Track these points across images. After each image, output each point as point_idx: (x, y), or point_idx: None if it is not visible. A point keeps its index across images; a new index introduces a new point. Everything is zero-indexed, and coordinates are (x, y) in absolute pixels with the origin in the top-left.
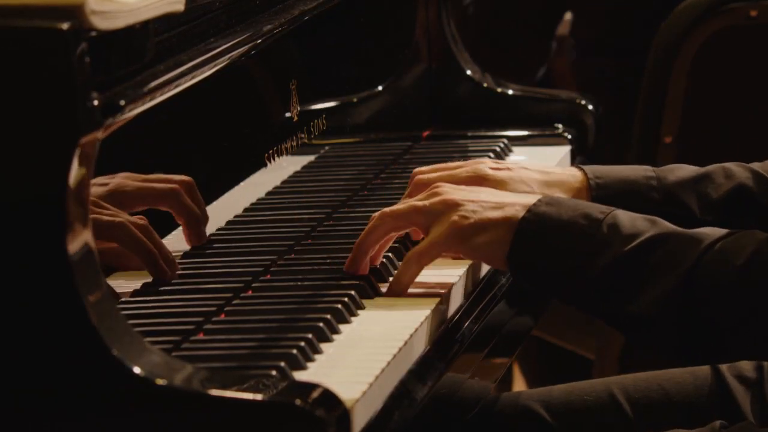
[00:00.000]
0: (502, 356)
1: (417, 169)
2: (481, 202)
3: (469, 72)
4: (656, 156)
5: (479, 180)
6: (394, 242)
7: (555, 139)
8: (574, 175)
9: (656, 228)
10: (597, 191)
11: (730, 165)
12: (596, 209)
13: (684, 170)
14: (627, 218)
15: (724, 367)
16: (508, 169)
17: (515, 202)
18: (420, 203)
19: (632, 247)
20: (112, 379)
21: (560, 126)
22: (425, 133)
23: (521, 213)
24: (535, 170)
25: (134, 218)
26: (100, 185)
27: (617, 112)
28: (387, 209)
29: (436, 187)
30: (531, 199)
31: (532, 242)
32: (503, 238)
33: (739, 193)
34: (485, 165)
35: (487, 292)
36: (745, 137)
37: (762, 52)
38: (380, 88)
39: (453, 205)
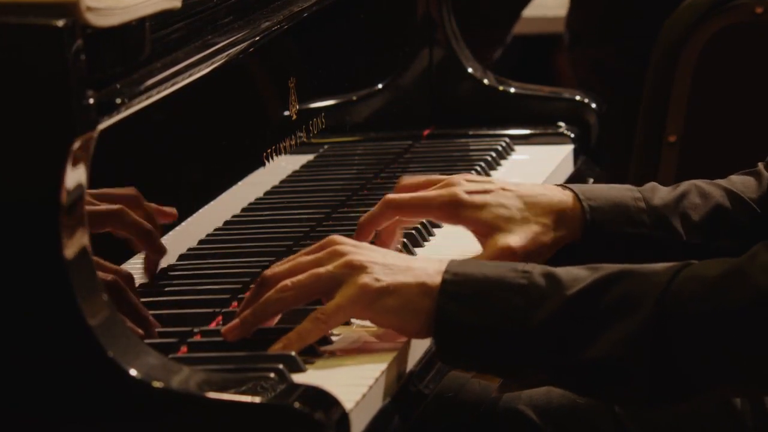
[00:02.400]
0: None
1: (388, 196)
2: (390, 265)
3: (470, 70)
4: (660, 155)
5: (454, 206)
6: None
7: (557, 138)
8: (564, 194)
9: (600, 271)
10: (591, 214)
11: (701, 183)
12: (519, 264)
13: (662, 191)
14: (561, 269)
15: None
16: (486, 191)
17: (426, 267)
18: (323, 270)
19: (579, 290)
20: (109, 381)
21: (563, 124)
22: (426, 132)
23: (437, 277)
24: (517, 192)
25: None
26: None
27: (620, 106)
28: (287, 280)
29: (333, 243)
30: (443, 264)
31: (459, 304)
32: (418, 304)
33: (717, 213)
34: (461, 188)
35: None
36: (750, 136)
37: (767, 50)
38: (380, 86)
39: (359, 267)
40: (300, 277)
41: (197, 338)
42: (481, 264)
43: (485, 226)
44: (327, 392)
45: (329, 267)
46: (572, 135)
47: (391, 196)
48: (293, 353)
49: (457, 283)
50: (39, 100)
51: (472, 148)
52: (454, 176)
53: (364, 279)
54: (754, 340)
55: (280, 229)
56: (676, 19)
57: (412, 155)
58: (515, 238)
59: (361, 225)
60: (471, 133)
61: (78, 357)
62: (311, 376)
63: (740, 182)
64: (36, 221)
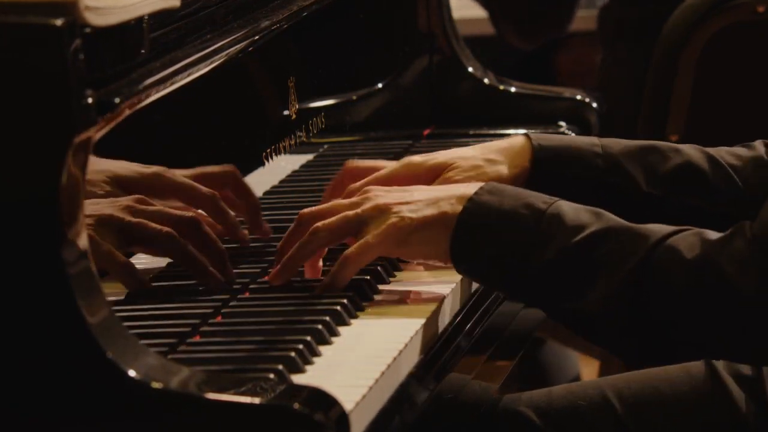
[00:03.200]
0: (504, 359)
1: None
2: (415, 202)
3: (470, 69)
4: None
5: (407, 167)
6: None
7: None
8: (517, 137)
9: (601, 222)
10: (538, 152)
11: (682, 145)
12: (539, 199)
13: (628, 143)
14: (571, 209)
15: (720, 366)
16: (438, 152)
17: (451, 195)
18: (352, 213)
19: (578, 239)
20: (108, 382)
21: (564, 124)
22: (426, 132)
23: (458, 207)
24: (470, 146)
25: (182, 215)
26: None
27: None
28: (319, 223)
29: (367, 191)
30: (470, 189)
31: (472, 233)
32: (441, 234)
33: (688, 170)
34: (412, 157)
35: (489, 293)
36: (751, 135)
37: None
38: (380, 85)
39: (386, 209)
40: (332, 219)
41: (197, 338)
42: (506, 194)
43: (438, 168)
44: (327, 393)
45: (358, 210)
46: (573, 134)
47: (351, 186)
48: (292, 354)
49: (473, 214)
50: (38, 99)
51: None
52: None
53: (391, 219)
54: (718, 323)
55: (279, 229)
56: (678, 18)
57: (412, 155)
58: (457, 173)
59: (324, 198)
60: (471, 132)
61: (77, 357)
62: (311, 377)
63: (726, 151)
64: (35, 220)
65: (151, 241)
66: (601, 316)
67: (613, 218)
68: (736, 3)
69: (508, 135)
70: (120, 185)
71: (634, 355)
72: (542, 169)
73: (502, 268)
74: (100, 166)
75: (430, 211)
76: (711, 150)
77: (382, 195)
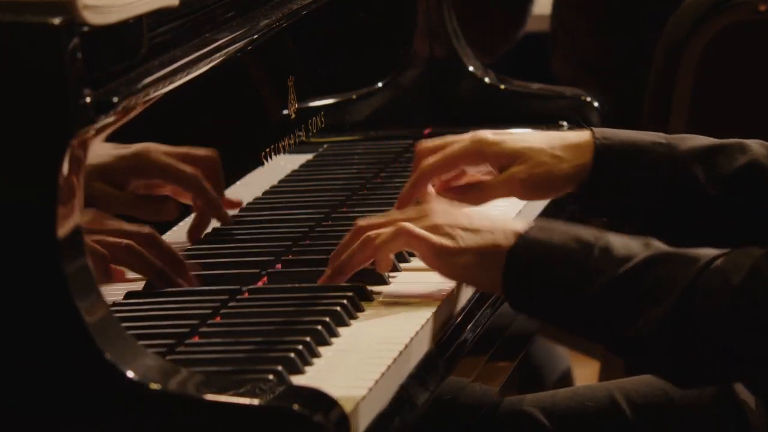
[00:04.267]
0: (505, 360)
1: (422, 166)
2: (471, 228)
3: (471, 68)
4: None
5: (480, 146)
6: None
7: None
8: (581, 132)
9: (650, 249)
10: (601, 150)
11: (750, 141)
12: (588, 233)
13: (697, 140)
14: (619, 241)
15: None
16: (510, 132)
17: (505, 228)
18: (408, 225)
19: (626, 269)
20: (106, 383)
21: (565, 123)
22: (426, 131)
23: (510, 240)
24: (536, 132)
25: (138, 228)
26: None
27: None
28: (372, 232)
29: (428, 203)
30: (520, 226)
31: (523, 270)
32: (488, 264)
33: (752, 169)
34: (483, 133)
35: (490, 294)
36: (753, 134)
37: None
38: (380, 84)
39: (440, 228)
40: (386, 231)
41: (195, 339)
42: (554, 230)
43: (506, 158)
44: (326, 394)
45: (418, 231)
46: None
47: (423, 164)
48: (292, 355)
49: (525, 250)
50: (36, 98)
51: None
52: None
53: (443, 240)
54: (761, 341)
55: (278, 229)
56: (679, 17)
57: (413, 155)
58: (523, 168)
59: (401, 199)
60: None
61: (75, 358)
62: (311, 378)
63: None
64: (32, 220)
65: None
66: (651, 343)
67: (660, 246)
68: (738, 2)
69: None
70: (104, 178)
71: (679, 380)
72: (604, 166)
73: (553, 301)
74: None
75: (484, 240)
76: None
77: (441, 213)
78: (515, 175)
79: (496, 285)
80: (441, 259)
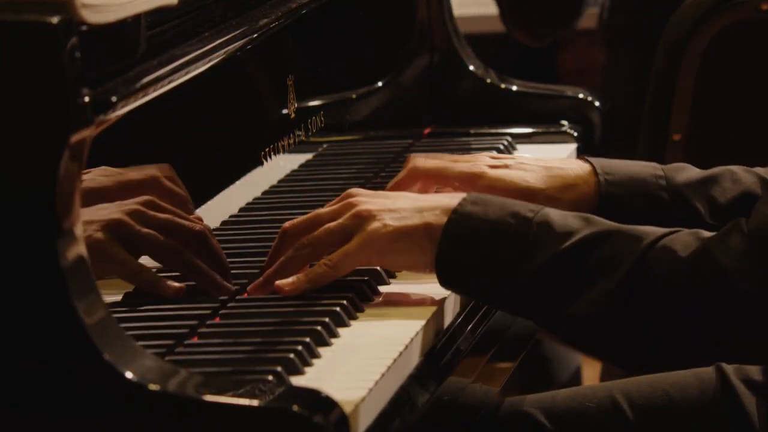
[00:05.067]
0: (505, 360)
1: (413, 155)
2: (398, 210)
3: (471, 67)
4: (664, 154)
5: (475, 178)
6: None
7: (560, 137)
8: (582, 167)
9: (592, 226)
10: (607, 188)
11: (736, 169)
12: (525, 207)
13: (690, 171)
14: (559, 216)
15: (730, 371)
16: (506, 166)
17: (436, 206)
18: (334, 224)
19: (569, 245)
20: (104, 384)
21: (566, 123)
22: (426, 131)
23: (443, 217)
24: (537, 164)
25: (191, 227)
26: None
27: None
28: (304, 239)
29: (349, 196)
30: (453, 201)
31: (458, 245)
32: (425, 245)
33: (746, 198)
34: (483, 162)
35: None
36: (755, 134)
37: None
38: (380, 84)
39: (368, 217)
40: (315, 233)
41: (195, 340)
42: (490, 204)
43: (501, 194)
44: (326, 395)
45: (340, 220)
46: (575, 133)
47: (419, 162)
48: (291, 355)
49: (459, 224)
50: (34, 98)
51: (473, 146)
52: (477, 154)
53: (373, 225)
54: (714, 319)
55: (278, 229)
56: (681, 16)
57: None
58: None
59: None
60: (472, 131)
61: (73, 359)
62: (310, 379)
63: None
64: (31, 220)
65: (157, 254)
66: (594, 321)
67: (603, 222)
68: (739, 1)
69: (510, 134)
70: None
71: (629, 362)
72: (609, 206)
73: (490, 278)
74: None
75: (414, 221)
76: (761, 171)
77: (364, 201)
78: None
79: (431, 264)
80: (379, 252)
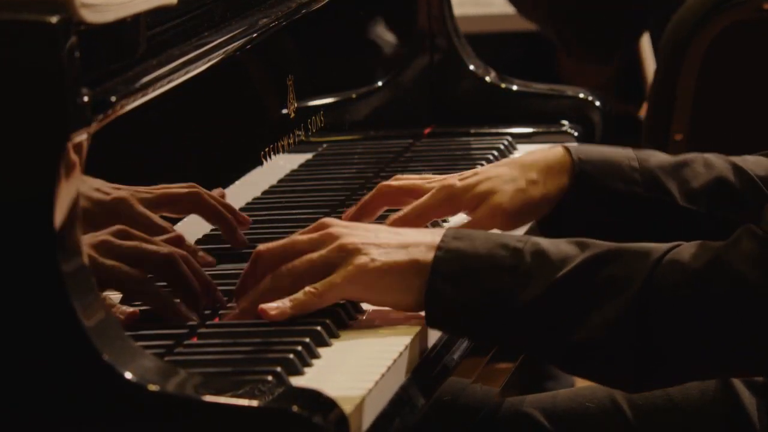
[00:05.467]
0: (506, 361)
1: (383, 184)
2: (384, 245)
3: (472, 67)
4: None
5: (450, 197)
6: None
7: (561, 137)
8: (555, 150)
9: (590, 249)
10: (580, 166)
11: (709, 155)
12: (512, 238)
13: (662, 156)
14: (550, 243)
15: None
16: (476, 173)
17: (419, 242)
18: (316, 255)
19: (567, 271)
20: (103, 384)
21: (566, 123)
22: (426, 131)
23: (429, 254)
24: (505, 161)
25: (158, 251)
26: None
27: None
28: (283, 267)
29: (327, 226)
30: (436, 237)
31: (449, 282)
32: (411, 282)
33: (718, 184)
34: (453, 179)
35: None
36: (757, 133)
37: None
38: (380, 83)
39: (353, 250)
40: (295, 263)
41: (194, 340)
42: (475, 237)
43: (479, 199)
44: (326, 395)
45: (323, 252)
46: (576, 133)
47: (391, 219)
48: (291, 356)
49: (448, 261)
50: (32, 98)
51: (473, 146)
52: (447, 176)
53: (361, 260)
54: (732, 328)
55: (277, 229)
56: (682, 16)
57: (413, 154)
58: (502, 197)
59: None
60: (472, 131)
61: (72, 359)
62: (310, 379)
63: (753, 160)
64: (30, 220)
65: (119, 285)
66: (601, 344)
67: (600, 243)
68: (741, 0)
69: (510, 134)
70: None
71: (633, 383)
72: (583, 184)
73: (483, 312)
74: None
75: (401, 257)
76: (736, 159)
77: (346, 233)
78: (497, 207)
79: (419, 304)
80: (367, 287)
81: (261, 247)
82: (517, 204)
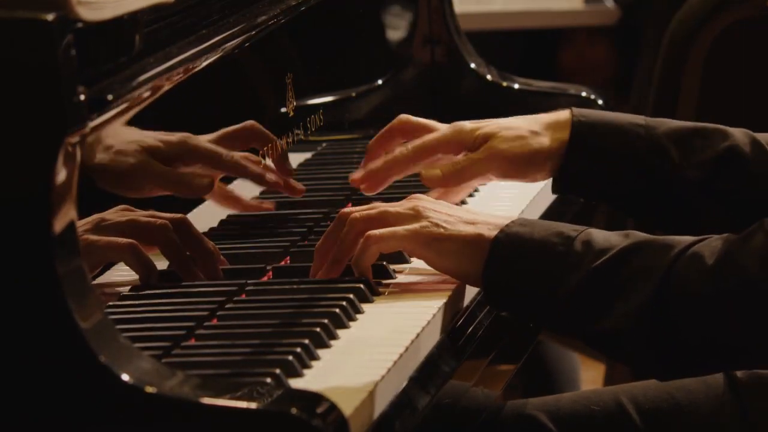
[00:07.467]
0: (507, 363)
1: (402, 115)
2: (455, 216)
3: (472, 65)
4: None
5: (457, 133)
6: None
7: None
8: (562, 111)
9: (628, 240)
10: (578, 126)
11: (733, 129)
12: (569, 228)
13: (676, 123)
14: (600, 234)
15: (737, 375)
16: (488, 120)
17: (488, 222)
18: (401, 229)
19: (603, 260)
20: (100, 386)
21: None
22: None
23: (492, 232)
24: (516, 117)
25: (170, 216)
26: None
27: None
28: (357, 214)
29: (417, 200)
30: (504, 221)
31: (505, 263)
32: (472, 254)
33: (732, 155)
34: (462, 122)
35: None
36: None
37: None
38: (380, 82)
39: (425, 216)
40: (383, 231)
41: (192, 341)
42: (536, 225)
43: (482, 140)
44: (325, 397)
45: (399, 208)
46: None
47: (400, 150)
48: (290, 358)
49: (505, 243)
50: (29, 96)
51: None
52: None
53: (426, 221)
54: (741, 323)
55: (277, 228)
56: (686, 13)
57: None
58: (502, 142)
59: (369, 148)
60: None
61: (69, 361)
62: (309, 381)
63: None
64: (25, 221)
65: (144, 232)
66: (626, 332)
67: (639, 235)
68: None
69: None
70: (150, 153)
71: (659, 371)
72: (579, 141)
73: (534, 295)
74: (131, 136)
75: (466, 229)
76: (760, 136)
77: (426, 203)
78: (495, 149)
79: (477, 276)
80: (426, 245)
81: (351, 211)
82: (516, 150)
